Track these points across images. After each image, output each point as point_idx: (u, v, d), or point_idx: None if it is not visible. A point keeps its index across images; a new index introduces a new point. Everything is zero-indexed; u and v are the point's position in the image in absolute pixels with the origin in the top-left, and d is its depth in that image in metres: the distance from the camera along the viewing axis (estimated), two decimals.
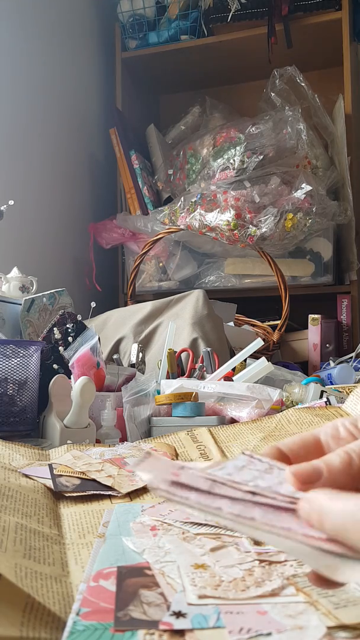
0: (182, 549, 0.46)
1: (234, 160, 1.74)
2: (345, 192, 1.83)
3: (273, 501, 0.30)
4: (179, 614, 0.36)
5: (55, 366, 1.02)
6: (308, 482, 0.31)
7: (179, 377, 1.11)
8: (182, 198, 1.73)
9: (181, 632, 0.35)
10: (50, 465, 0.68)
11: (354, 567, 0.27)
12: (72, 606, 0.38)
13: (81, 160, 2.06)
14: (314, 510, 0.29)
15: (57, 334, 1.06)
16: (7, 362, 0.90)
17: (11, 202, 1.32)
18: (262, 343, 1.10)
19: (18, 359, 0.91)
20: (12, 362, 0.91)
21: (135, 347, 1.24)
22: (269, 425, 0.83)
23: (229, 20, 1.97)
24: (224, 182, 1.74)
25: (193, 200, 1.69)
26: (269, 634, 0.34)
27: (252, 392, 0.96)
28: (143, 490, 0.63)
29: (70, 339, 1.05)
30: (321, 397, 1.02)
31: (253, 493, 0.31)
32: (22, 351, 0.92)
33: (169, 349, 1.11)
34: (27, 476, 0.64)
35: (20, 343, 0.94)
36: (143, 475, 0.32)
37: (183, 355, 1.22)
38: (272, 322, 1.72)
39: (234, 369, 1.09)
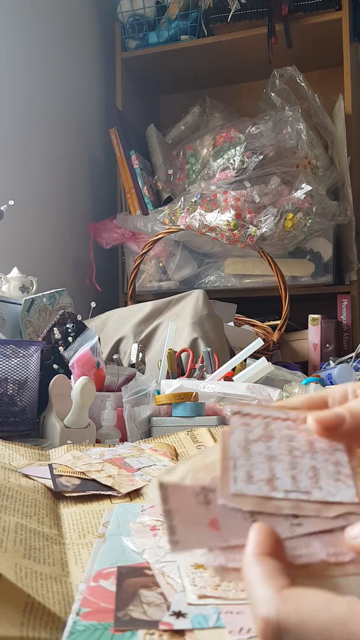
0: None
1: (234, 160, 1.74)
2: (345, 192, 1.83)
3: (321, 523, 0.29)
4: (179, 614, 0.36)
5: (55, 366, 1.02)
6: (332, 428, 0.31)
7: (179, 377, 1.11)
8: (182, 198, 1.73)
9: (181, 632, 0.35)
10: (50, 465, 0.68)
11: None
12: (72, 606, 0.38)
13: (81, 160, 2.06)
14: None
15: (57, 334, 1.06)
16: (7, 362, 0.90)
17: (11, 202, 1.32)
18: (262, 343, 1.10)
19: (18, 359, 0.91)
20: (12, 362, 0.91)
21: (135, 347, 1.24)
22: None
23: (229, 20, 1.97)
24: (224, 182, 1.74)
25: (193, 200, 1.69)
26: None
27: (252, 392, 0.96)
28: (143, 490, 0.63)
29: (70, 339, 1.05)
30: None
31: (294, 516, 0.29)
32: (22, 351, 0.92)
33: (169, 349, 1.11)
34: (27, 476, 0.64)
35: (20, 343, 0.94)
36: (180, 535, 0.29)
37: (183, 355, 1.22)
38: (272, 322, 1.72)
39: (234, 369, 1.09)
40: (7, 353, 0.90)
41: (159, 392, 1.00)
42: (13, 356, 0.91)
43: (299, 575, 0.28)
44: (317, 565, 0.28)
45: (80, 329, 1.07)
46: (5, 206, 1.31)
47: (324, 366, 1.62)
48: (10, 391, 0.90)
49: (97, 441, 0.90)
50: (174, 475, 0.32)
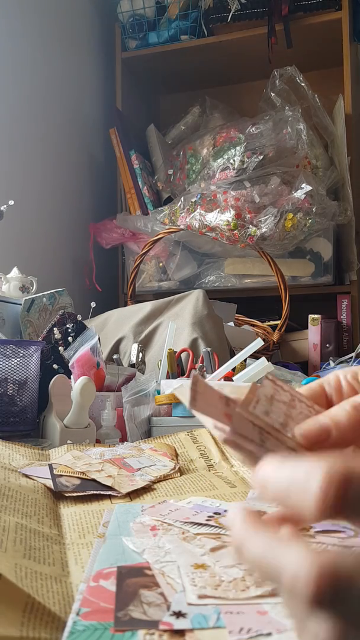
0: (182, 549, 0.46)
1: (234, 160, 1.74)
2: (345, 192, 1.83)
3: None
4: (179, 614, 0.36)
5: (55, 366, 1.02)
6: (317, 442, 0.31)
7: (179, 377, 1.11)
8: (182, 198, 1.73)
9: (181, 632, 0.35)
10: (50, 465, 0.68)
11: None
12: (72, 606, 0.38)
13: (81, 160, 2.06)
14: (256, 481, 0.27)
15: (57, 334, 1.06)
16: (7, 362, 0.90)
17: (11, 202, 1.32)
18: (262, 343, 1.10)
19: (18, 359, 0.91)
20: (12, 362, 0.91)
21: (135, 347, 1.24)
22: None
23: (229, 20, 1.97)
24: (224, 182, 1.74)
25: (193, 200, 1.69)
26: (269, 634, 0.34)
27: None
28: (143, 490, 0.63)
29: (70, 339, 1.05)
30: None
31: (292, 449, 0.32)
32: (22, 351, 0.92)
33: (169, 349, 1.11)
34: (27, 476, 0.64)
35: (20, 343, 0.94)
36: (199, 416, 0.32)
37: (183, 355, 1.22)
38: (272, 322, 1.72)
39: (234, 369, 1.09)
40: (7, 353, 0.90)
41: (159, 392, 1.00)
42: (13, 356, 0.91)
43: None
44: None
45: (80, 329, 1.07)
46: (5, 206, 1.31)
47: (324, 366, 1.62)
48: (10, 391, 0.90)
49: (97, 441, 0.90)
50: (200, 386, 0.34)
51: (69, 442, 0.83)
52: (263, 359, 1.07)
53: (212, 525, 0.51)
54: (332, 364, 1.59)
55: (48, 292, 1.29)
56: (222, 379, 1.06)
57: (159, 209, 1.83)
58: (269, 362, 1.08)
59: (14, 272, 1.38)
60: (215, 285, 1.89)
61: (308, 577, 0.22)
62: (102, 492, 0.61)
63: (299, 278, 1.85)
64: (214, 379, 1.06)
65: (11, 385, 0.90)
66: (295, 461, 0.26)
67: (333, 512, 0.24)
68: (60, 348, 1.03)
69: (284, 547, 0.24)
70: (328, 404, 0.36)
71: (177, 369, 1.13)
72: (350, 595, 0.22)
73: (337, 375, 0.37)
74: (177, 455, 0.76)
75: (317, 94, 1.88)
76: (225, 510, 0.55)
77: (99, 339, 1.01)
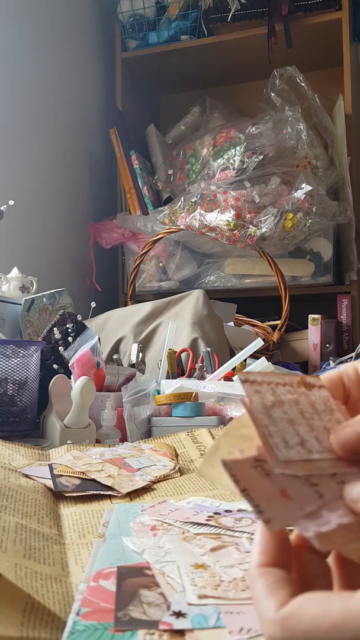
0: (182, 549, 0.46)
1: (234, 160, 1.74)
2: (345, 192, 1.83)
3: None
4: (179, 614, 0.36)
5: (55, 366, 1.02)
6: (357, 452, 0.31)
7: (179, 377, 1.11)
8: (182, 198, 1.73)
9: (181, 632, 0.35)
10: (50, 465, 0.68)
11: None
12: (72, 606, 0.38)
13: (81, 160, 2.06)
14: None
15: (57, 334, 1.06)
16: (7, 362, 0.90)
17: (11, 202, 1.32)
18: (262, 343, 1.10)
19: (18, 359, 0.91)
20: (12, 362, 0.91)
21: (135, 347, 1.24)
22: None
23: (229, 20, 1.97)
24: (224, 182, 1.74)
25: (193, 200, 1.69)
26: None
27: None
28: (143, 490, 0.63)
29: (70, 339, 1.05)
30: None
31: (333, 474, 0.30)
32: (22, 351, 0.92)
33: (169, 349, 1.11)
34: (27, 476, 0.64)
35: (20, 343, 0.94)
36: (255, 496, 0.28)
37: (183, 355, 1.22)
38: (272, 322, 1.72)
39: (234, 369, 1.09)
40: (7, 353, 0.90)
41: (159, 392, 1.00)
42: (13, 356, 0.91)
43: (324, 548, 0.28)
44: (335, 534, 0.28)
45: (80, 329, 1.07)
46: (5, 206, 1.31)
47: (324, 366, 1.62)
48: (10, 391, 0.90)
49: (97, 441, 0.90)
50: (222, 452, 0.32)
51: (69, 442, 0.83)
52: (263, 359, 1.07)
53: (212, 525, 0.51)
54: (332, 364, 1.59)
55: (48, 292, 1.29)
56: (222, 379, 1.06)
57: (159, 209, 1.83)
58: (269, 362, 1.08)
59: (14, 272, 1.38)
60: (215, 285, 1.89)
61: (271, 631, 0.27)
62: (102, 492, 0.61)
63: (299, 278, 1.85)
64: (213, 379, 1.06)
65: (11, 385, 0.90)
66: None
67: None
68: (60, 348, 1.03)
69: (265, 600, 0.28)
70: (346, 396, 0.35)
71: (177, 369, 1.13)
72: None
73: (357, 367, 0.35)
74: (177, 455, 0.76)
75: (317, 94, 1.88)
76: (225, 511, 0.55)
77: (99, 339, 1.01)
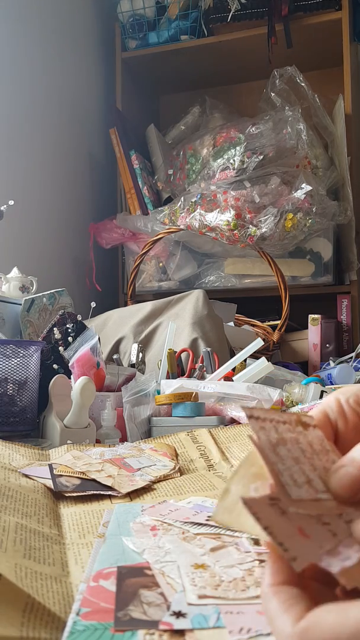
0: (182, 549, 0.46)
1: (234, 160, 1.74)
2: (345, 192, 1.83)
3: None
4: (179, 614, 0.36)
5: (55, 366, 1.02)
6: (354, 494, 0.31)
7: (179, 377, 1.11)
8: (182, 198, 1.73)
9: (181, 632, 0.35)
10: (50, 465, 0.68)
11: None
12: (72, 606, 0.38)
13: (81, 160, 2.06)
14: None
15: (57, 334, 1.06)
16: (7, 362, 0.90)
17: (11, 202, 1.32)
18: (262, 343, 1.10)
19: (18, 359, 0.91)
20: (12, 362, 0.91)
21: (135, 347, 1.24)
22: None
23: (229, 20, 1.97)
24: (224, 182, 1.74)
25: (193, 200, 1.69)
26: (269, 634, 0.34)
27: (252, 392, 0.96)
28: (143, 490, 0.63)
29: (70, 339, 1.05)
30: (321, 397, 1.03)
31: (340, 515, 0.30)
32: (22, 351, 0.92)
33: (169, 349, 1.11)
34: (27, 476, 0.64)
35: (20, 343, 0.94)
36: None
37: (183, 355, 1.22)
38: (272, 322, 1.72)
39: (234, 369, 1.09)
40: (7, 353, 0.90)
41: (159, 392, 1.00)
42: (13, 356, 0.91)
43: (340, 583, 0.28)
44: (356, 569, 0.28)
45: (80, 329, 1.07)
46: (5, 206, 1.31)
47: (324, 366, 1.62)
48: (10, 391, 0.90)
49: (97, 441, 0.90)
50: (235, 494, 0.31)
51: (69, 442, 0.83)
52: (263, 359, 1.07)
53: (212, 525, 0.51)
54: (332, 364, 1.59)
55: (48, 292, 1.29)
56: (222, 379, 1.06)
57: (159, 209, 1.83)
58: (269, 362, 1.08)
59: (14, 272, 1.38)
60: (215, 285, 1.89)
61: None
62: (102, 492, 0.61)
63: (299, 278, 1.85)
64: (213, 379, 1.06)
65: (11, 385, 0.90)
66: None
67: None
68: (60, 348, 1.03)
69: (281, 617, 0.28)
70: (334, 430, 0.35)
71: (177, 369, 1.13)
72: None
73: (338, 399, 0.36)
74: (177, 455, 0.76)
75: (317, 94, 1.88)
76: None
77: (99, 339, 1.01)
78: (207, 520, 0.53)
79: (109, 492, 0.61)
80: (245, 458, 0.32)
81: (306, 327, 1.79)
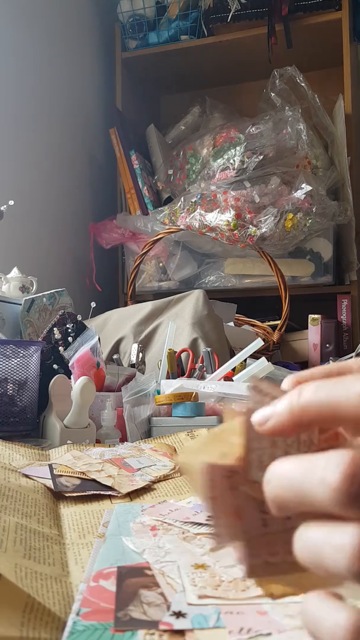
0: (182, 549, 0.46)
1: (234, 160, 1.74)
2: (345, 192, 1.83)
3: None
4: (179, 614, 0.36)
5: (55, 366, 1.02)
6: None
7: (179, 377, 1.11)
8: (182, 198, 1.73)
9: (181, 632, 0.35)
10: (50, 465, 0.68)
11: None
12: (72, 606, 0.38)
13: (81, 160, 2.06)
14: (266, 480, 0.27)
15: (57, 334, 1.06)
16: (7, 362, 0.90)
17: (11, 202, 1.32)
18: (262, 343, 1.10)
19: (18, 359, 0.91)
20: (12, 362, 0.91)
21: (135, 347, 1.24)
22: None
23: (229, 20, 1.97)
24: (224, 182, 1.74)
25: (193, 200, 1.69)
26: (269, 634, 0.34)
27: None
28: (143, 490, 0.63)
29: (70, 339, 1.05)
30: None
31: None
32: (22, 351, 0.92)
33: (169, 349, 1.11)
34: (27, 476, 0.64)
35: (20, 343, 0.94)
36: None
37: (183, 355, 1.22)
38: (272, 322, 1.72)
39: (234, 369, 1.09)
40: (7, 353, 0.90)
41: (159, 392, 0.99)
42: (13, 356, 0.91)
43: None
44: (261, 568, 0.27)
45: (80, 329, 1.07)
46: (5, 206, 1.31)
47: None
48: (10, 391, 0.90)
49: (97, 441, 0.90)
50: (206, 451, 0.30)
51: (69, 442, 0.83)
52: (263, 359, 1.07)
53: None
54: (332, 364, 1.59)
55: (48, 292, 1.29)
56: (222, 379, 1.06)
57: (159, 209, 1.83)
58: (269, 362, 1.08)
59: (14, 272, 1.38)
60: (215, 285, 1.89)
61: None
62: (102, 492, 0.61)
63: (299, 278, 1.85)
64: (213, 379, 1.06)
65: (11, 385, 0.90)
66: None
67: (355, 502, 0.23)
68: (60, 348, 1.03)
69: (333, 612, 0.25)
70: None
71: (177, 369, 1.13)
72: None
73: (349, 363, 0.35)
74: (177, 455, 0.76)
75: (317, 94, 1.88)
76: None
77: (99, 339, 1.01)
78: (207, 520, 0.53)
79: (109, 492, 0.61)
80: (229, 424, 0.32)
81: (306, 327, 1.79)
